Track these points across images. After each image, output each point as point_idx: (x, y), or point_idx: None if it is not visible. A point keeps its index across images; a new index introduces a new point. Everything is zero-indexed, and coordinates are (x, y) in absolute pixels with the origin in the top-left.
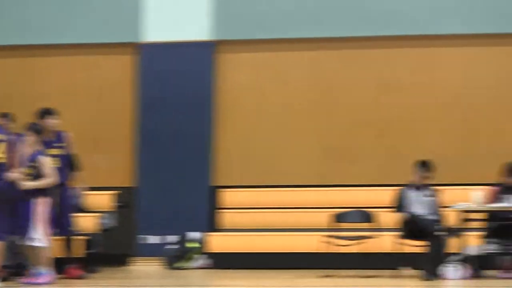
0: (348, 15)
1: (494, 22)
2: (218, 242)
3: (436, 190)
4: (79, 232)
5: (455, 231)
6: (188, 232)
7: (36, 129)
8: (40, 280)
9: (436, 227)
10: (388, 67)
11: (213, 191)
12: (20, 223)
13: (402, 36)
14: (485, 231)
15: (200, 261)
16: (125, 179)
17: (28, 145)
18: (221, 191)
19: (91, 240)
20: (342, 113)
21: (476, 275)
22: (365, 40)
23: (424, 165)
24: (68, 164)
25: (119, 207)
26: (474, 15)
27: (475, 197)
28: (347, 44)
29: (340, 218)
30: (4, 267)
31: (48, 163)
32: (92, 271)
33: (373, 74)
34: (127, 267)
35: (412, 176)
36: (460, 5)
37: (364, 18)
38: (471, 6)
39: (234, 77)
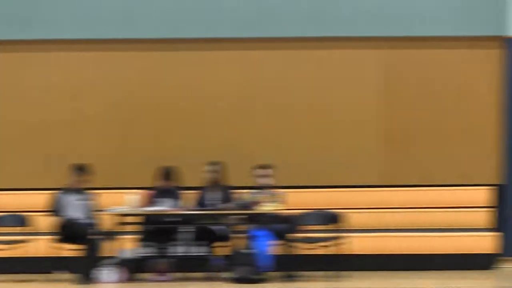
0: None
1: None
2: None
3: (92, 193)
4: None
5: (110, 235)
6: None
7: None
8: None
9: (91, 230)
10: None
11: None
12: None
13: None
14: (140, 235)
15: None
16: None
17: None
18: None
19: None
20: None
21: (131, 278)
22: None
23: (80, 168)
24: None
25: None
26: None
27: (130, 201)
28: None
29: None
30: None
31: None
32: None
33: (61, 77)
34: None
35: (68, 180)
36: None
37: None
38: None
39: None
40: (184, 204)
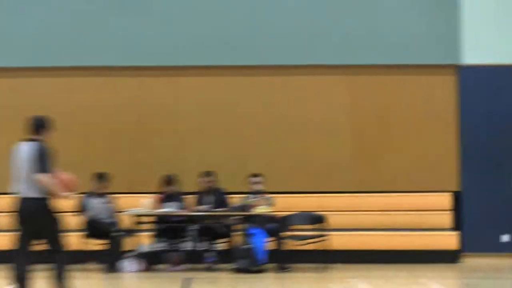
0: None
1: None
2: None
3: (112, 197)
4: None
5: (129, 232)
6: None
7: None
8: None
9: (113, 228)
10: None
11: None
12: None
13: None
14: (154, 232)
15: None
16: None
17: None
18: None
19: None
20: None
21: (148, 269)
22: None
23: (100, 176)
24: None
25: None
26: None
27: (144, 204)
28: None
29: None
30: None
31: None
32: None
33: None
34: None
35: (92, 185)
36: None
37: None
38: None
39: None
40: (187, 206)
